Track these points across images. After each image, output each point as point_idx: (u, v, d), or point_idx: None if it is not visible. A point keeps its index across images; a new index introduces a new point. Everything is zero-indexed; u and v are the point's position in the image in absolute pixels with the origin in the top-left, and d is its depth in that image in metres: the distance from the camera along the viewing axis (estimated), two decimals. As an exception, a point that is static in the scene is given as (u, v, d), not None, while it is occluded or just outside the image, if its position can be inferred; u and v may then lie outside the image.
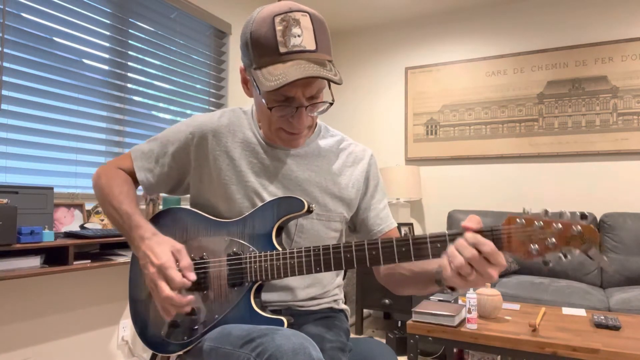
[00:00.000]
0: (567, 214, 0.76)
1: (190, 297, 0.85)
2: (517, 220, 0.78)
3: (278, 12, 0.85)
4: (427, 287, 0.95)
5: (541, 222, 0.76)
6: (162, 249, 0.86)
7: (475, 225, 0.78)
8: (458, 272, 0.77)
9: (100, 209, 2.18)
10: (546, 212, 0.77)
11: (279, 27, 0.84)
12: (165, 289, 0.82)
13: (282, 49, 0.84)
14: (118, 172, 1.05)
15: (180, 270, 0.85)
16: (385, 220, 1.10)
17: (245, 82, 0.98)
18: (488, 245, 0.75)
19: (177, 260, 0.86)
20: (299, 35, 0.84)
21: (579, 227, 0.74)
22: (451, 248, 0.78)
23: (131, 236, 0.93)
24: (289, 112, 0.90)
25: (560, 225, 0.75)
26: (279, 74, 0.82)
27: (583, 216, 0.75)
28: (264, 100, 0.89)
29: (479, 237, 0.76)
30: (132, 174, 1.07)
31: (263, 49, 0.85)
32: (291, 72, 0.82)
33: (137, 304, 1.04)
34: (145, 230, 0.91)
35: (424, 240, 0.82)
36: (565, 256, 0.75)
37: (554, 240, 0.75)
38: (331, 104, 0.92)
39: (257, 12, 0.88)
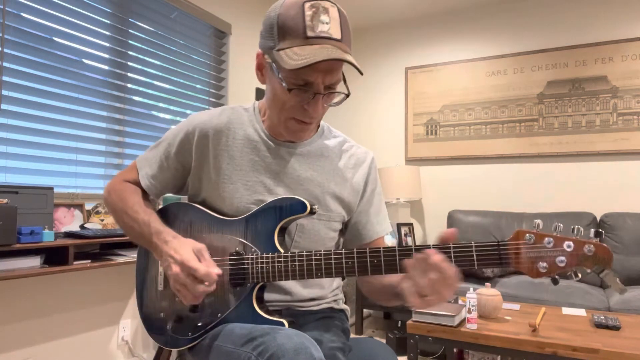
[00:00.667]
0: (580, 230, 0.73)
1: (219, 271, 0.88)
2: (526, 235, 0.75)
3: None
4: (391, 300, 0.96)
5: (551, 239, 0.73)
6: (184, 248, 0.88)
7: (451, 237, 0.80)
8: (416, 290, 0.78)
9: (100, 209, 2.18)
10: (556, 227, 0.74)
11: (308, 12, 0.86)
12: (200, 268, 0.84)
13: (309, 33, 0.85)
14: (126, 185, 1.07)
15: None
16: (375, 227, 1.10)
17: (260, 68, 0.97)
18: (440, 261, 0.76)
19: (198, 259, 0.88)
20: (327, 23, 0.86)
21: (592, 247, 0.71)
22: (409, 264, 0.79)
23: (153, 243, 0.94)
24: (306, 97, 0.90)
25: (571, 244, 0.72)
26: (306, 54, 0.83)
27: (597, 234, 0.72)
28: (283, 83, 0.89)
29: (433, 255, 0.76)
30: (139, 184, 1.08)
31: (290, 31, 0.86)
32: (319, 53, 0.83)
33: (145, 299, 1.05)
34: (167, 234, 0.93)
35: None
36: (576, 275, 0.72)
37: (564, 259, 0.72)
38: (347, 95, 0.93)
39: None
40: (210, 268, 0.86)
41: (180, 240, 0.92)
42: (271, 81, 0.94)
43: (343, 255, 0.86)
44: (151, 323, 1.02)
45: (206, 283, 0.86)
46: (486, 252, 0.77)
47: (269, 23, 0.90)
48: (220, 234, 0.97)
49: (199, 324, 0.95)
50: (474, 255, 0.78)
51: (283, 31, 0.87)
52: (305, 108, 0.91)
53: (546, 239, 0.74)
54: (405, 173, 3.48)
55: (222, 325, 0.92)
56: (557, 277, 0.74)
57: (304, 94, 0.89)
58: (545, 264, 0.73)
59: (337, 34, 0.87)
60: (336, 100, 0.94)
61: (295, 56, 0.84)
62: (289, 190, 1.01)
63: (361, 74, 0.86)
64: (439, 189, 3.72)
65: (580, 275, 0.72)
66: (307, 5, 0.86)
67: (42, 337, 2.03)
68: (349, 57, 0.85)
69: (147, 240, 0.95)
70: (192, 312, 0.96)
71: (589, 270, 0.72)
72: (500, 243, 0.76)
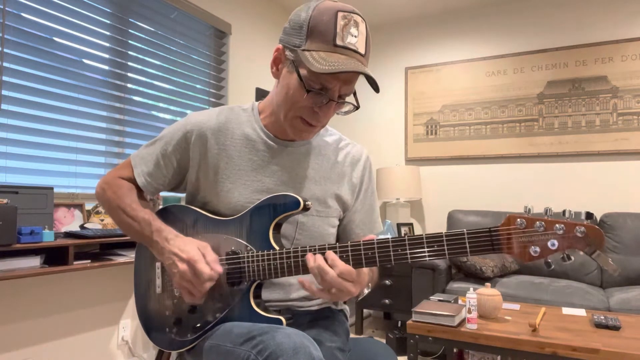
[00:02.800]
0: (571, 213, 0.73)
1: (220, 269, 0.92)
2: (518, 220, 0.75)
3: (342, 9, 0.89)
4: None
5: (542, 222, 0.73)
6: (189, 247, 0.90)
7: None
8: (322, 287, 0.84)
9: (100, 209, 2.18)
10: (547, 211, 0.74)
11: (340, 22, 0.88)
12: (205, 269, 0.87)
13: (338, 42, 0.88)
14: (121, 182, 1.06)
15: (207, 264, 0.89)
16: (368, 225, 1.11)
17: (276, 63, 0.97)
18: (338, 267, 0.83)
19: (203, 255, 0.90)
20: (355, 36, 0.89)
21: (583, 229, 0.71)
22: (311, 265, 0.85)
23: (153, 241, 0.95)
24: (319, 101, 0.92)
25: (562, 226, 0.72)
26: (333, 61, 0.85)
27: (588, 215, 0.72)
28: (302, 82, 0.90)
29: (336, 259, 0.83)
30: (133, 181, 1.07)
31: (319, 35, 0.88)
32: (346, 63, 0.86)
33: (144, 302, 1.05)
34: (168, 232, 0.94)
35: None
36: (569, 257, 0.72)
37: (555, 241, 0.72)
38: (357, 108, 0.96)
39: (318, 2, 0.91)
40: (213, 265, 0.89)
41: (183, 238, 0.93)
42: (286, 78, 0.94)
43: (337, 249, 0.86)
44: (150, 326, 1.03)
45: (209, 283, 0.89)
46: (478, 239, 0.78)
47: (299, 22, 0.91)
48: (217, 234, 0.97)
49: (198, 325, 0.95)
50: (467, 243, 0.78)
51: (313, 33, 0.88)
52: (316, 111, 0.93)
53: (537, 222, 0.74)
54: (405, 173, 3.48)
55: (220, 325, 0.92)
56: (549, 260, 0.74)
57: (318, 98, 0.91)
58: (537, 248, 0.73)
59: (362, 49, 0.90)
60: (345, 109, 0.96)
61: (322, 60, 0.86)
62: (287, 189, 1.01)
63: (377, 91, 0.90)
64: (439, 189, 3.72)
65: (572, 258, 0.72)
66: (341, 14, 0.88)
67: (42, 337, 2.03)
68: (372, 75, 0.88)
69: (147, 237, 0.96)
70: (191, 313, 0.96)
71: (581, 253, 0.72)
72: (492, 229, 0.76)
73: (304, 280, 0.86)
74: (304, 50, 0.89)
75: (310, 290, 0.85)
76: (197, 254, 0.89)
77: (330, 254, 0.84)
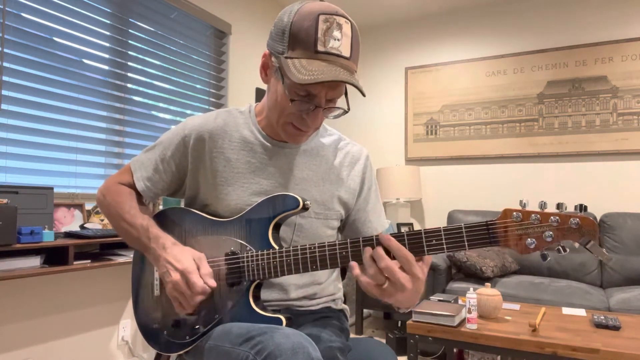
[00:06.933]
0: (565, 206, 0.74)
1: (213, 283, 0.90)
2: (514, 213, 0.76)
3: (324, 11, 0.87)
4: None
5: (538, 215, 0.75)
6: (185, 257, 0.90)
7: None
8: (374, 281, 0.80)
9: (100, 209, 2.18)
10: (542, 204, 0.76)
11: (322, 26, 0.86)
12: (198, 282, 0.87)
13: (320, 47, 0.85)
14: (121, 188, 1.06)
15: (201, 277, 0.88)
16: (374, 223, 1.11)
17: (265, 68, 0.97)
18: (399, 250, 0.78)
19: (197, 267, 0.89)
20: (338, 39, 0.86)
21: (577, 220, 0.72)
22: (365, 256, 0.81)
23: (150, 247, 0.95)
24: (306, 108, 0.91)
25: (557, 218, 0.73)
26: (314, 70, 0.84)
27: (582, 208, 0.73)
28: (286, 91, 0.89)
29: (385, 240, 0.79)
30: (133, 187, 1.07)
31: (301, 41, 0.86)
32: (326, 71, 0.84)
33: (141, 305, 1.04)
34: (166, 240, 0.94)
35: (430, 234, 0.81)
36: (564, 249, 0.74)
37: (551, 233, 0.74)
38: (346, 111, 0.94)
39: (300, 5, 0.89)
40: (206, 279, 0.89)
41: (179, 247, 0.93)
42: (274, 84, 0.94)
43: (337, 246, 0.86)
44: (148, 329, 1.02)
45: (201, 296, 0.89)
46: (476, 233, 0.78)
47: (281, 27, 0.89)
48: (216, 235, 0.97)
49: (197, 327, 0.95)
50: (464, 237, 0.78)
51: (294, 40, 0.87)
52: (304, 117, 0.92)
53: (532, 215, 0.75)
54: (405, 173, 3.49)
55: (220, 326, 0.92)
56: (545, 252, 0.75)
57: (305, 105, 0.90)
58: (533, 240, 0.75)
59: (346, 52, 0.87)
60: (334, 114, 0.95)
61: (303, 70, 0.84)
62: (286, 191, 1.01)
63: (364, 95, 0.87)
64: (439, 189, 3.72)
65: (568, 250, 0.73)
66: (322, 18, 0.86)
67: (42, 337, 2.03)
68: (354, 80, 0.86)
69: (144, 244, 0.96)
70: (190, 315, 0.96)
71: (577, 245, 0.73)
72: (489, 222, 0.77)
73: (356, 265, 0.82)
74: (286, 57, 0.87)
75: (364, 282, 0.81)
76: (192, 266, 0.88)
77: (390, 240, 0.79)
